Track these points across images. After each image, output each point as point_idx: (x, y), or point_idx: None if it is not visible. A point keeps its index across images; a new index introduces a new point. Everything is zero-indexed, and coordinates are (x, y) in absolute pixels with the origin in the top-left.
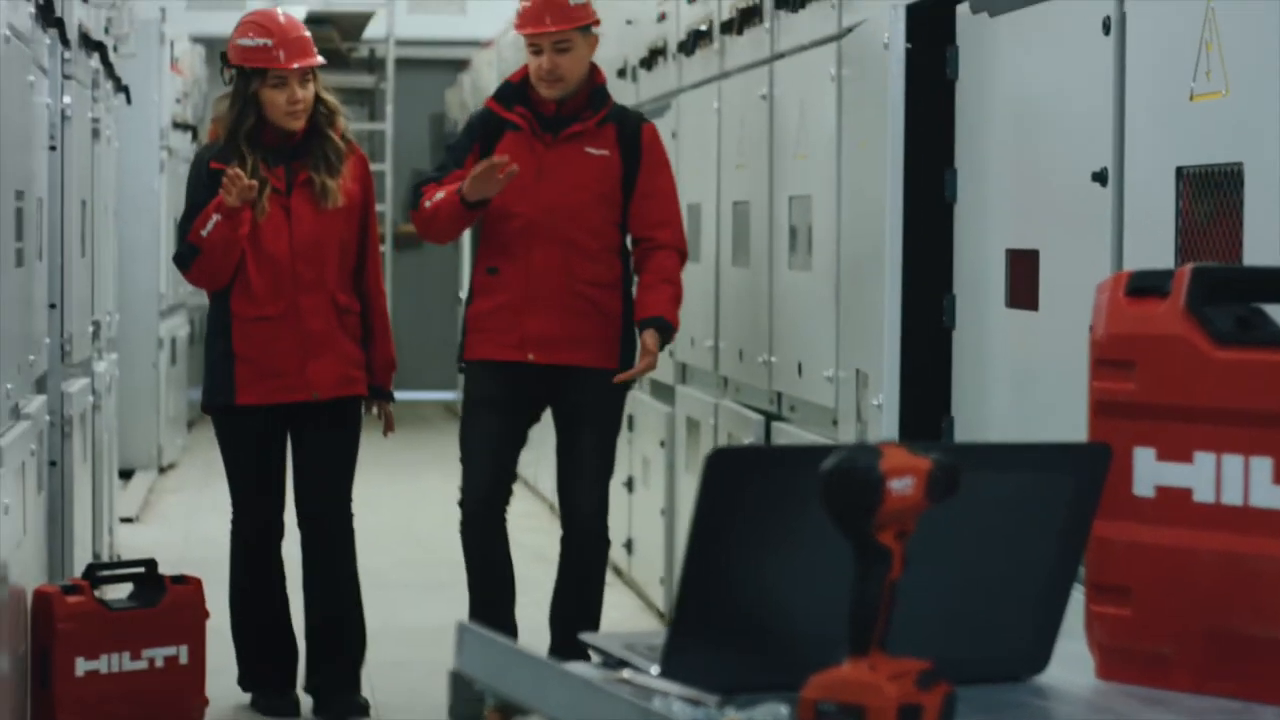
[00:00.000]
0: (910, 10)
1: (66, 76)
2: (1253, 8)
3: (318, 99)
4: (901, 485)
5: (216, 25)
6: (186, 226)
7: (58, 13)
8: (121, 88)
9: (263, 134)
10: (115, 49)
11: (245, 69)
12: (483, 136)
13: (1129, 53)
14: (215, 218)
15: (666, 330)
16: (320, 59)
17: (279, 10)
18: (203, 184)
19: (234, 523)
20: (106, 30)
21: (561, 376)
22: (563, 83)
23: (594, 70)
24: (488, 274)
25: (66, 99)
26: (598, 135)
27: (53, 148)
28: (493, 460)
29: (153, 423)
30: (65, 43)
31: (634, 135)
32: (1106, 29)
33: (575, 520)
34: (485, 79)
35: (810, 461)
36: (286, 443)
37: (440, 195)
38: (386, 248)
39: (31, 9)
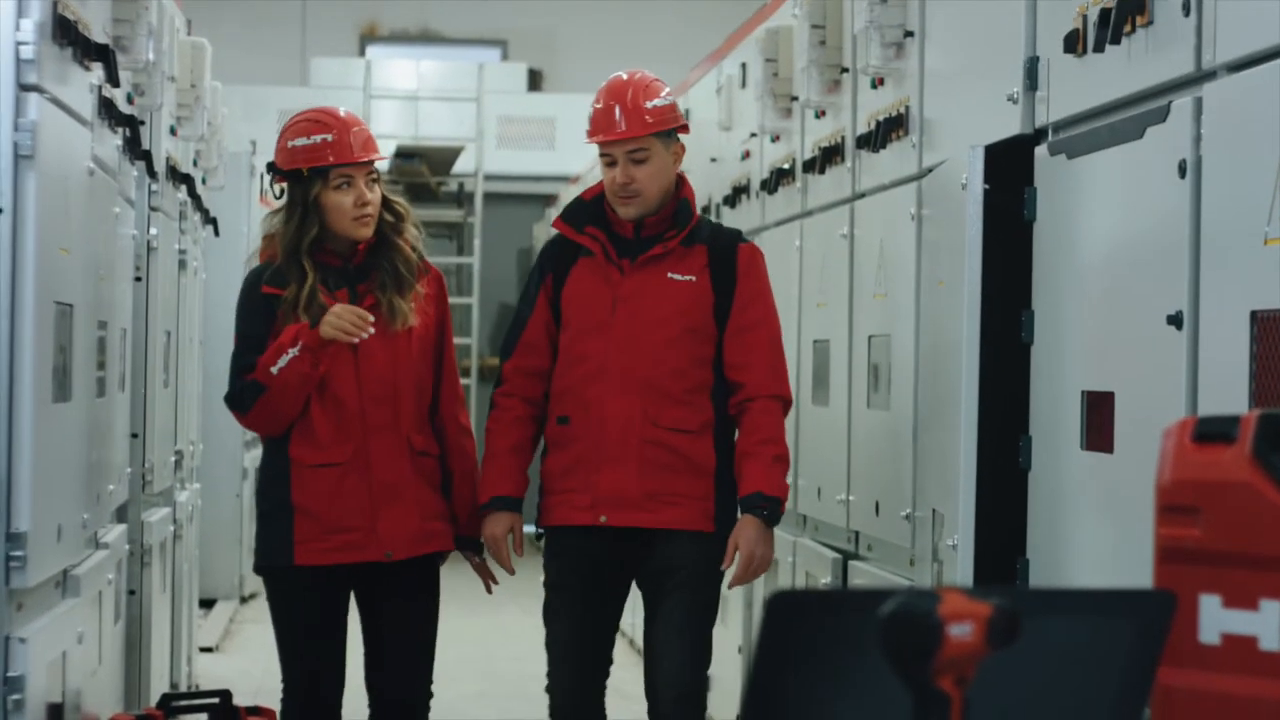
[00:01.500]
0: (989, 151)
1: (153, 208)
2: None
3: (386, 204)
4: (961, 631)
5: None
6: (241, 362)
7: (145, 145)
8: (210, 219)
9: (321, 249)
10: (204, 181)
11: (302, 173)
12: (556, 266)
13: (1204, 196)
14: (290, 352)
15: (770, 506)
16: (384, 155)
17: (337, 107)
18: (257, 312)
19: (284, 704)
20: (195, 163)
21: (644, 543)
22: (640, 199)
23: (680, 182)
24: (559, 424)
25: (153, 230)
26: (684, 257)
27: (138, 278)
28: (578, 655)
29: (235, 552)
30: (152, 175)
31: (728, 256)
32: (1182, 172)
33: (667, 710)
34: None
35: (870, 605)
36: (351, 608)
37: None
38: (472, 381)
39: (119, 141)
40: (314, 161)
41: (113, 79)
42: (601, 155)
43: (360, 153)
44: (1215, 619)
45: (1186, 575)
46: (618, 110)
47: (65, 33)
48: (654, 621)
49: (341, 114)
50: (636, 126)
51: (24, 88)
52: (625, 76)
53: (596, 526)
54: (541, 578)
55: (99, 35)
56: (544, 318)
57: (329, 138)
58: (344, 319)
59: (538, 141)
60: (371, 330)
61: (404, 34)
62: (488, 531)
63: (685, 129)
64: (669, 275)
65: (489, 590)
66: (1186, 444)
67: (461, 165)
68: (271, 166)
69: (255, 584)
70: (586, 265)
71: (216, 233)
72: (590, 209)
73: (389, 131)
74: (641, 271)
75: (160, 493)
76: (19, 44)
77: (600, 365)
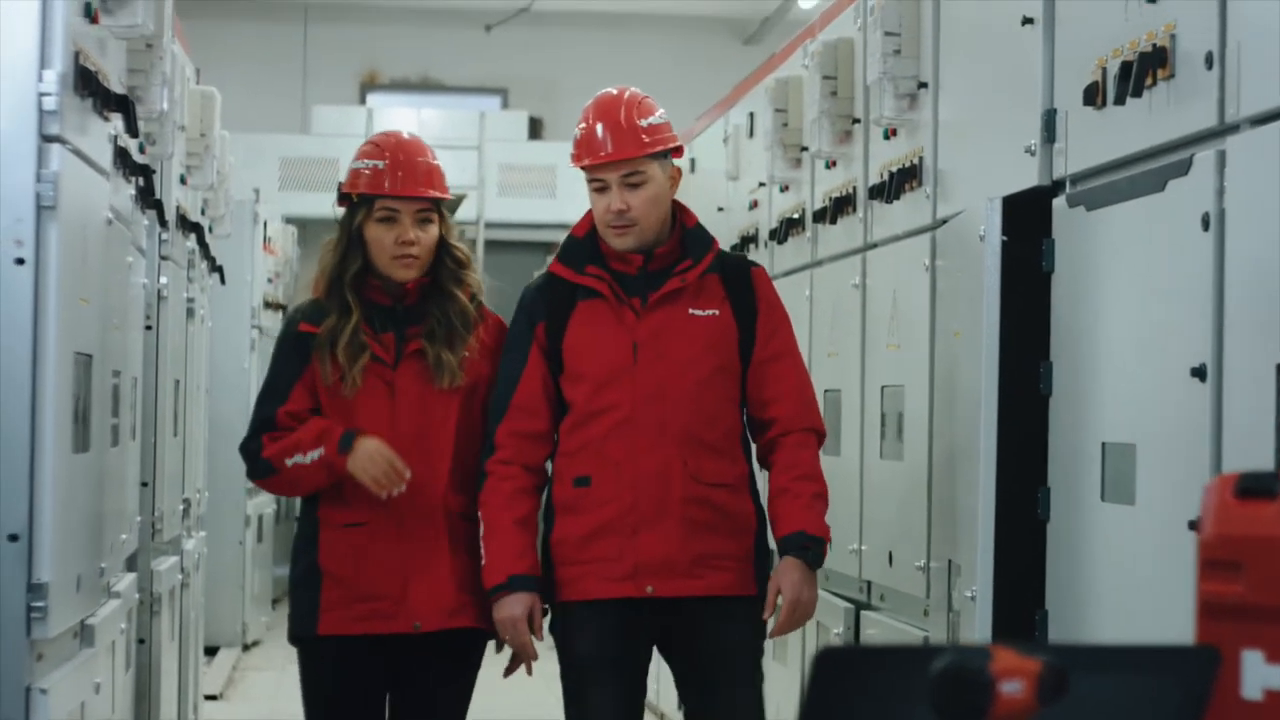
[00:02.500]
0: (1007, 202)
1: (163, 257)
2: None
3: (443, 247)
4: (1012, 688)
5: (308, 206)
6: (263, 410)
7: (157, 194)
8: (216, 268)
9: (367, 285)
10: (211, 229)
11: (353, 199)
12: (548, 314)
13: (1228, 249)
14: (309, 456)
15: (814, 546)
16: (446, 195)
17: (407, 132)
18: (290, 354)
19: None
20: (203, 211)
21: (686, 613)
22: (636, 229)
23: (680, 210)
24: (576, 487)
25: (163, 279)
26: (702, 291)
27: (148, 327)
28: None
29: (238, 600)
30: (163, 224)
31: (743, 284)
32: (1206, 225)
33: None
34: None
35: (918, 662)
36: (384, 680)
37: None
38: None
39: (131, 191)
40: (359, 188)
41: (132, 130)
42: (590, 181)
43: (399, 187)
44: (1258, 674)
45: (1229, 631)
46: (608, 130)
47: (86, 83)
48: (710, 713)
49: (404, 138)
50: (630, 146)
51: (46, 139)
52: (615, 92)
53: (632, 599)
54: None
55: (116, 85)
56: (539, 374)
57: (379, 165)
58: (376, 465)
59: (539, 189)
60: (403, 488)
61: (404, 82)
62: (506, 614)
63: (680, 151)
64: (690, 311)
65: (530, 671)
66: (1229, 499)
67: (463, 213)
68: (340, 188)
69: (258, 631)
70: (590, 309)
71: (223, 281)
72: (587, 246)
73: None
74: (660, 310)
75: (169, 541)
76: (41, 95)
77: (627, 417)
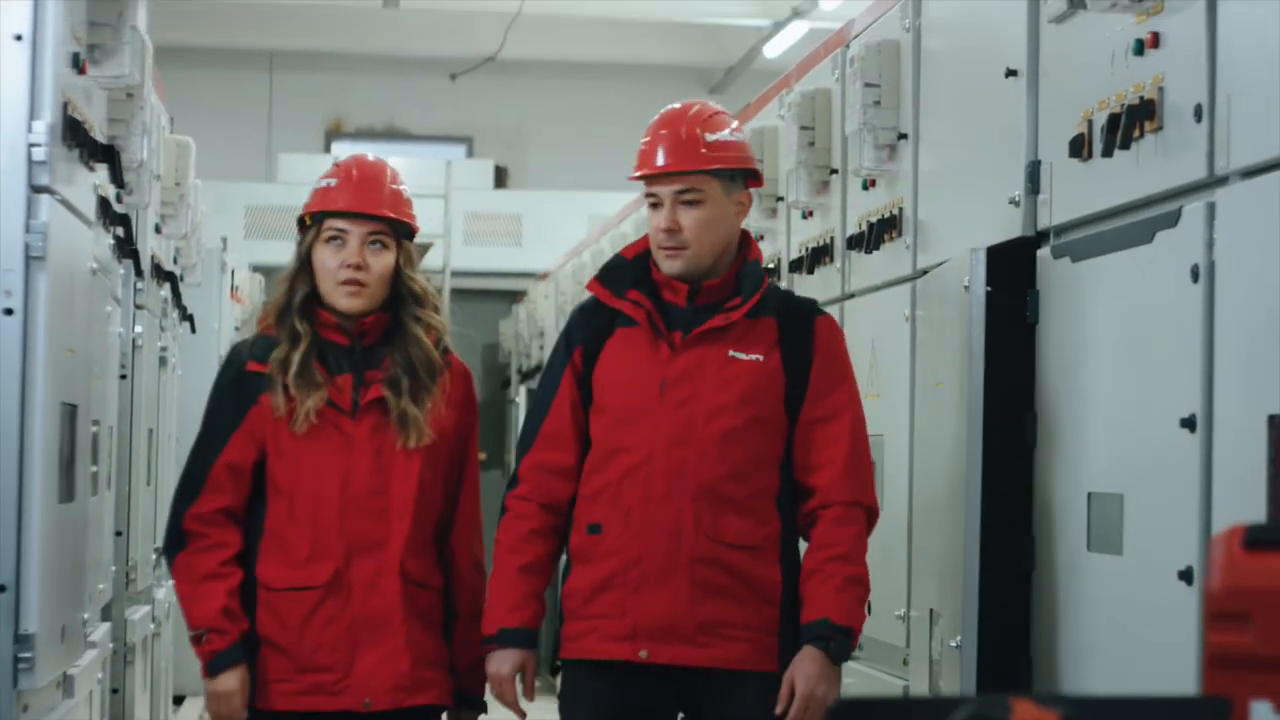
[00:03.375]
0: (990, 253)
1: (139, 306)
2: None
3: (400, 280)
4: None
5: (273, 254)
6: (200, 461)
7: (134, 244)
8: (187, 316)
9: (317, 317)
10: (182, 278)
11: (304, 221)
12: (586, 337)
13: (1218, 300)
14: (192, 629)
15: (838, 638)
16: (407, 220)
17: (367, 155)
18: (229, 398)
19: None
20: (175, 260)
21: (691, 686)
22: (688, 253)
23: (746, 240)
24: (588, 534)
25: (138, 328)
26: (750, 331)
27: (123, 376)
28: None
29: None
30: (139, 273)
31: (803, 331)
32: (1195, 276)
33: None
34: (541, 310)
35: (937, 714)
36: None
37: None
38: None
39: (110, 240)
40: (311, 205)
41: (118, 180)
42: (647, 197)
43: (347, 204)
44: None
45: (1238, 681)
46: (667, 141)
47: (74, 134)
48: None
49: (366, 159)
50: (687, 160)
51: (36, 189)
52: (681, 105)
53: (634, 663)
54: None
55: (100, 135)
56: (570, 400)
57: (333, 183)
58: (220, 712)
59: (504, 238)
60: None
61: (370, 130)
62: (492, 669)
63: (758, 179)
64: (730, 353)
65: None
66: (1236, 551)
67: (429, 261)
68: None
69: None
70: (627, 338)
71: (193, 329)
72: (634, 269)
73: None
74: (697, 347)
75: (141, 590)
76: (31, 145)
77: (643, 461)
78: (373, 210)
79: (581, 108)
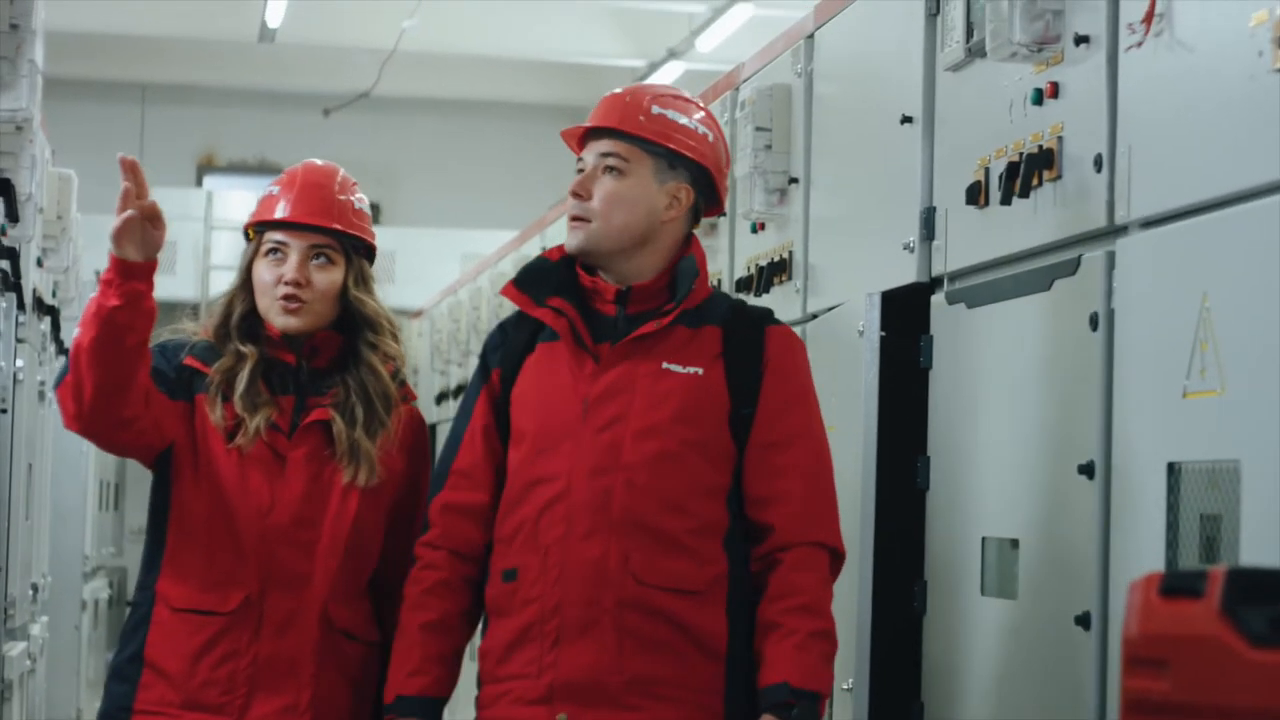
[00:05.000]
0: (885, 298)
1: (20, 340)
2: (1249, 309)
3: (348, 301)
4: None
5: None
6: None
7: (20, 277)
8: (63, 350)
9: (260, 335)
10: (60, 312)
11: (248, 234)
12: (505, 358)
13: (1117, 349)
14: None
15: (801, 704)
16: (359, 234)
17: (315, 161)
18: (161, 370)
19: None
20: (54, 294)
21: None
22: (590, 226)
23: (687, 239)
24: (503, 582)
25: (19, 362)
26: (690, 342)
27: (3, 410)
28: None
29: (72, 685)
30: (21, 307)
31: (752, 342)
32: (1094, 324)
33: None
34: (415, 347)
35: None
36: None
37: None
38: None
39: None
40: (254, 215)
41: (12, 214)
42: (577, 164)
43: (292, 213)
44: None
45: None
46: (608, 101)
47: None
48: None
49: (316, 165)
50: (617, 119)
51: None
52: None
53: None
54: None
55: None
56: (485, 431)
57: (275, 191)
58: (133, 176)
59: (378, 274)
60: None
61: (242, 164)
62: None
63: (718, 200)
64: (664, 365)
65: None
66: (1154, 598)
67: None
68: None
69: (91, 717)
70: (548, 353)
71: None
72: (557, 272)
73: (229, 262)
74: (626, 361)
75: (19, 626)
76: None
77: (563, 493)
78: (317, 221)
79: (456, 145)
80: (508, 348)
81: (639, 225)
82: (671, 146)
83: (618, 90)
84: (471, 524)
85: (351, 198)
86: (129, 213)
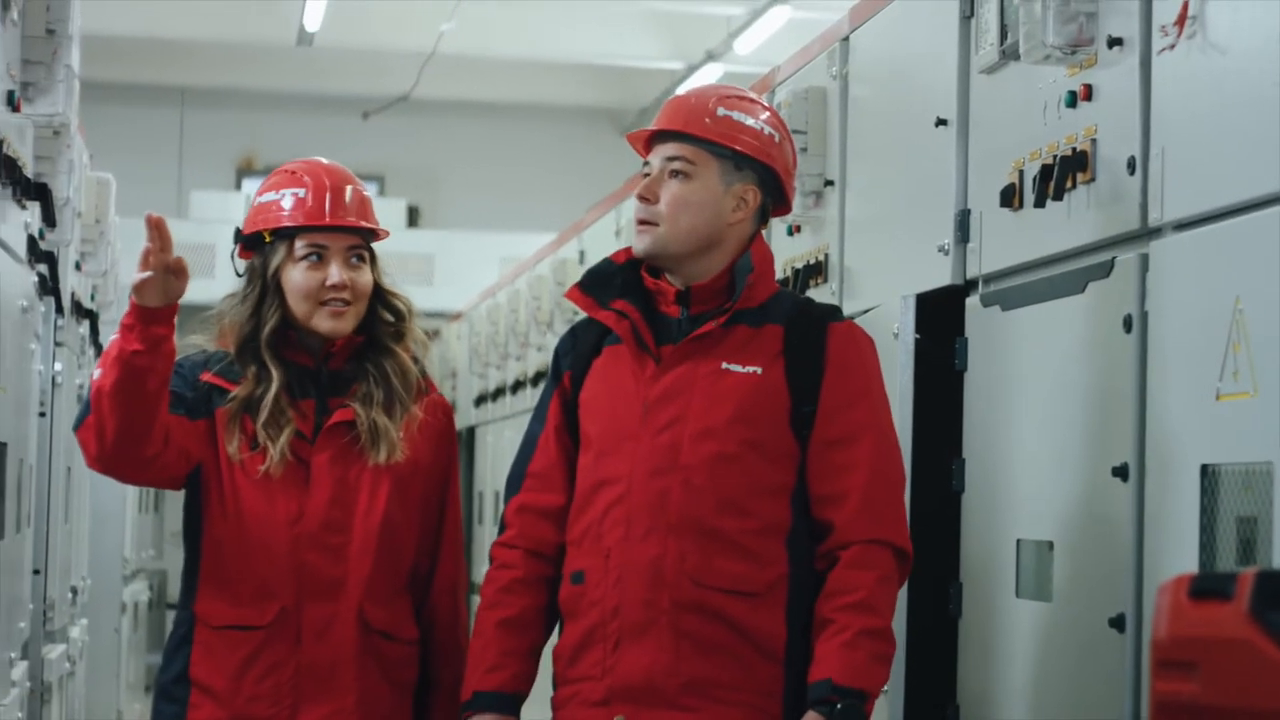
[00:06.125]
0: (920, 300)
1: (59, 344)
2: None
3: (378, 295)
4: None
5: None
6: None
7: (59, 281)
8: (101, 353)
9: (284, 344)
10: (99, 315)
11: (264, 239)
12: (575, 361)
13: (1151, 352)
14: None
15: (845, 701)
16: (384, 230)
17: (321, 160)
18: (187, 400)
19: None
20: (92, 297)
21: None
22: (657, 229)
23: (755, 241)
24: (572, 584)
25: (58, 366)
26: (751, 341)
27: (42, 414)
28: None
29: (113, 688)
30: (60, 311)
31: (814, 339)
32: (1128, 327)
33: None
34: (454, 351)
35: None
36: None
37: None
38: None
39: (34, 278)
40: (272, 223)
41: (49, 219)
42: (643, 168)
43: (334, 215)
44: None
45: None
46: (673, 105)
47: (9, 172)
48: None
49: (325, 163)
50: (683, 122)
51: None
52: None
53: None
54: None
55: (30, 173)
56: (558, 434)
57: (300, 193)
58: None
59: (415, 277)
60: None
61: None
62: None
63: (785, 201)
64: (723, 366)
65: None
66: (1183, 600)
67: None
68: (237, 235)
69: (132, 719)
70: (613, 356)
71: None
72: (622, 274)
73: None
74: (685, 362)
75: (58, 629)
76: None
77: (623, 495)
78: (356, 223)
79: (494, 148)
80: (577, 351)
81: (706, 228)
82: (737, 148)
83: (682, 92)
84: (547, 525)
85: (366, 192)
86: (147, 274)
